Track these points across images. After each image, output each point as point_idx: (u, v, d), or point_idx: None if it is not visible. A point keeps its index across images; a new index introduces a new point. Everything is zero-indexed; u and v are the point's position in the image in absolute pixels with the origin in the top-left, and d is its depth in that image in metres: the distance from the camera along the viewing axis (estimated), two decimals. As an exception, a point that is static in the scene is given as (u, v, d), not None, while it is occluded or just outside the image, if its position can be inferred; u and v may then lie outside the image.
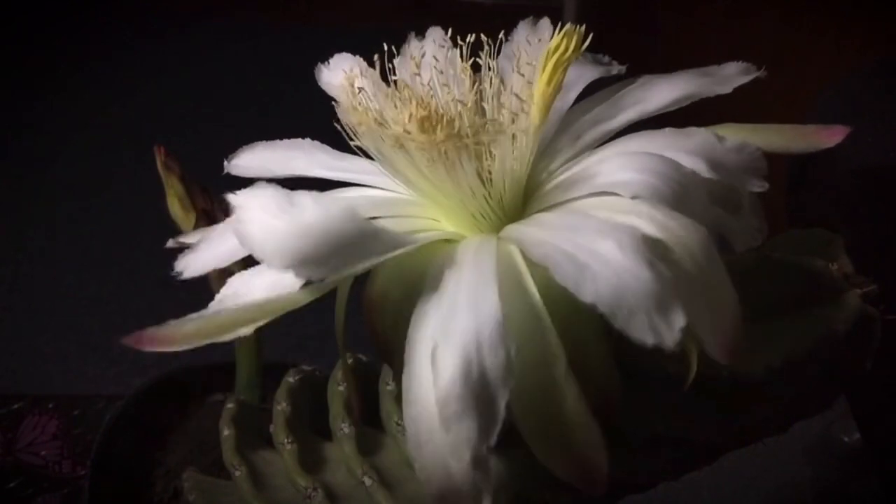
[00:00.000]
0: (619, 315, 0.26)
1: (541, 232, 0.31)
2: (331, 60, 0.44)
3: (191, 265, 0.37)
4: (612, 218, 0.30)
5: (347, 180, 0.41)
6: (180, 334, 0.32)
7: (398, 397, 0.47)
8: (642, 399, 0.35)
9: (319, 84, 0.44)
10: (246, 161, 0.42)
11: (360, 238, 0.30)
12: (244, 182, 0.41)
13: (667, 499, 0.49)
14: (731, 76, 0.38)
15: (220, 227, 0.38)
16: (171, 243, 0.39)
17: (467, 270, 0.31)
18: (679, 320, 0.26)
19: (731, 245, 0.33)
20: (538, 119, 0.35)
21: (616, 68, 0.42)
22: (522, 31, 0.41)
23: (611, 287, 0.26)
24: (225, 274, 0.36)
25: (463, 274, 0.31)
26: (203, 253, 0.37)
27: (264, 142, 0.43)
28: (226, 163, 0.42)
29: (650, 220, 0.29)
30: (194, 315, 0.33)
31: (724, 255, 0.29)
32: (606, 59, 0.42)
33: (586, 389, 0.31)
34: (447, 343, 0.28)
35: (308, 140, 0.42)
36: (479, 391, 0.27)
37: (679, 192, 0.30)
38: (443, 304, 0.30)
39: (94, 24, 1.65)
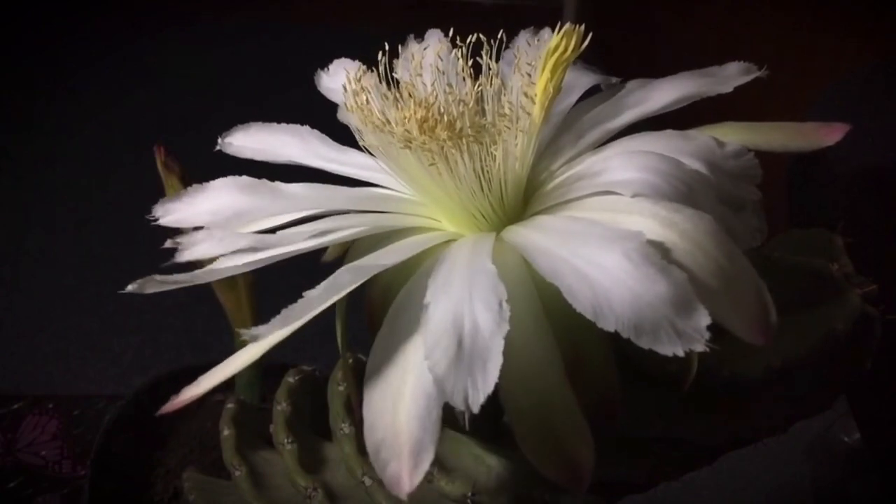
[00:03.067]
0: (645, 335, 0.26)
1: (544, 238, 0.31)
2: (330, 66, 0.44)
3: (170, 214, 0.37)
4: (614, 220, 0.30)
5: (345, 174, 0.40)
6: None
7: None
8: (643, 399, 0.35)
9: (319, 89, 0.44)
10: (240, 140, 0.42)
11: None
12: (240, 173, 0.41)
13: (667, 499, 0.49)
14: (731, 76, 0.38)
15: (209, 185, 0.38)
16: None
17: (464, 253, 0.32)
18: (703, 320, 0.26)
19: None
20: (539, 119, 0.35)
21: (614, 79, 0.42)
22: (523, 37, 0.41)
23: (629, 308, 0.26)
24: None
25: (459, 256, 0.31)
26: (186, 206, 0.37)
27: (260, 122, 0.42)
28: (219, 139, 0.42)
29: (653, 217, 0.29)
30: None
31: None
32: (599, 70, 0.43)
33: (586, 391, 0.31)
34: (438, 300, 0.28)
35: (306, 128, 0.42)
36: (469, 341, 0.27)
37: (682, 190, 0.30)
38: (437, 279, 0.30)
39: (94, 24, 1.65)
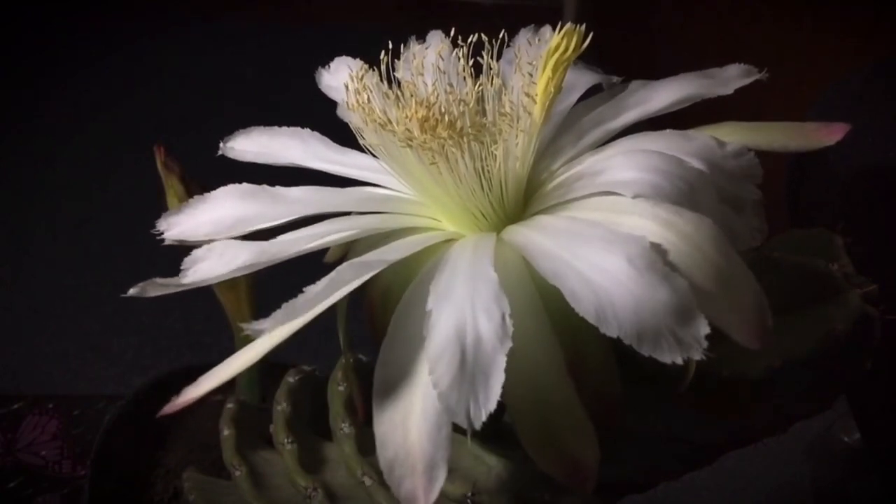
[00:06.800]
0: (646, 342, 0.26)
1: (545, 239, 0.31)
2: (331, 64, 0.44)
3: (175, 227, 0.37)
4: (615, 221, 0.30)
5: (346, 175, 0.40)
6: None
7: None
8: (642, 399, 0.35)
9: (320, 87, 0.44)
10: (242, 145, 0.42)
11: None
12: (240, 173, 0.41)
13: (667, 499, 0.49)
14: (732, 78, 0.38)
15: (210, 195, 0.38)
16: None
17: (466, 257, 0.31)
18: (703, 329, 0.26)
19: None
20: (539, 118, 0.35)
21: (615, 79, 0.42)
22: (523, 36, 0.41)
23: (632, 315, 0.26)
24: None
25: (461, 260, 0.31)
26: (188, 218, 0.37)
27: (261, 126, 0.43)
28: (221, 144, 0.42)
29: (653, 219, 0.29)
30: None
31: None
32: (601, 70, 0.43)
33: (586, 389, 0.31)
34: (441, 308, 0.28)
35: (307, 130, 0.42)
36: (472, 355, 0.27)
37: (684, 190, 0.30)
38: (439, 284, 0.30)
39: (94, 24, 1.65)
